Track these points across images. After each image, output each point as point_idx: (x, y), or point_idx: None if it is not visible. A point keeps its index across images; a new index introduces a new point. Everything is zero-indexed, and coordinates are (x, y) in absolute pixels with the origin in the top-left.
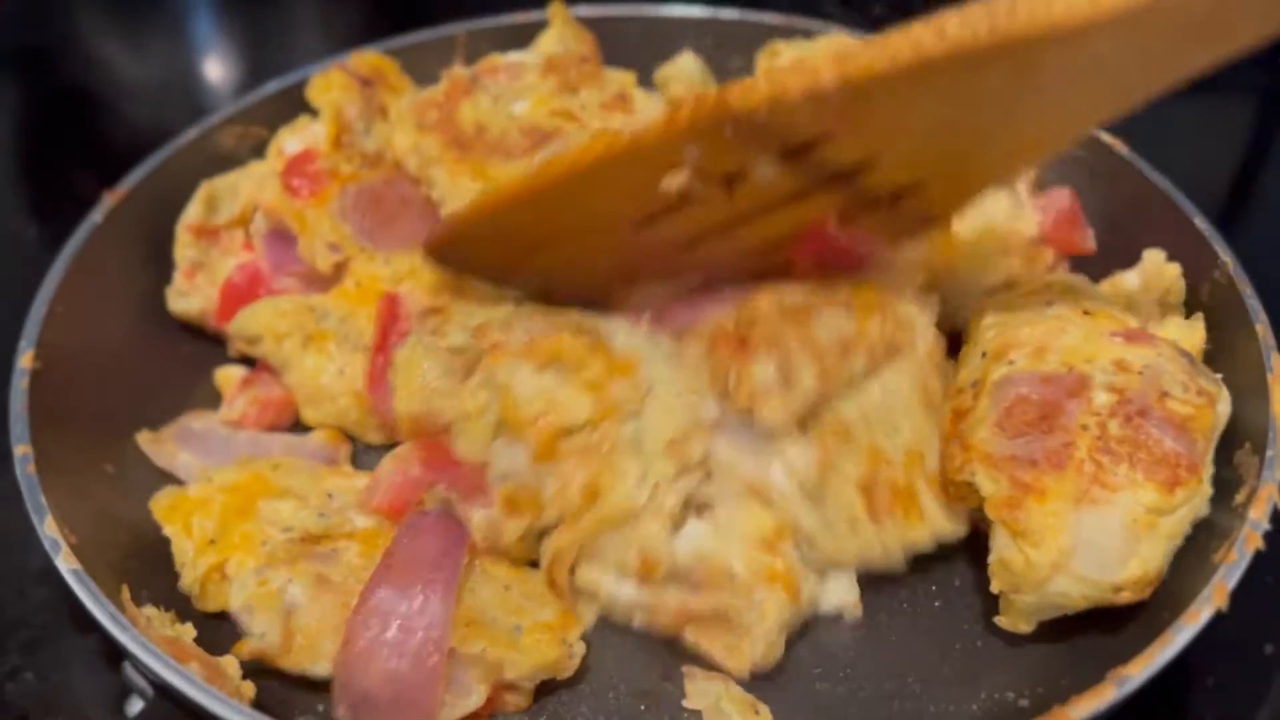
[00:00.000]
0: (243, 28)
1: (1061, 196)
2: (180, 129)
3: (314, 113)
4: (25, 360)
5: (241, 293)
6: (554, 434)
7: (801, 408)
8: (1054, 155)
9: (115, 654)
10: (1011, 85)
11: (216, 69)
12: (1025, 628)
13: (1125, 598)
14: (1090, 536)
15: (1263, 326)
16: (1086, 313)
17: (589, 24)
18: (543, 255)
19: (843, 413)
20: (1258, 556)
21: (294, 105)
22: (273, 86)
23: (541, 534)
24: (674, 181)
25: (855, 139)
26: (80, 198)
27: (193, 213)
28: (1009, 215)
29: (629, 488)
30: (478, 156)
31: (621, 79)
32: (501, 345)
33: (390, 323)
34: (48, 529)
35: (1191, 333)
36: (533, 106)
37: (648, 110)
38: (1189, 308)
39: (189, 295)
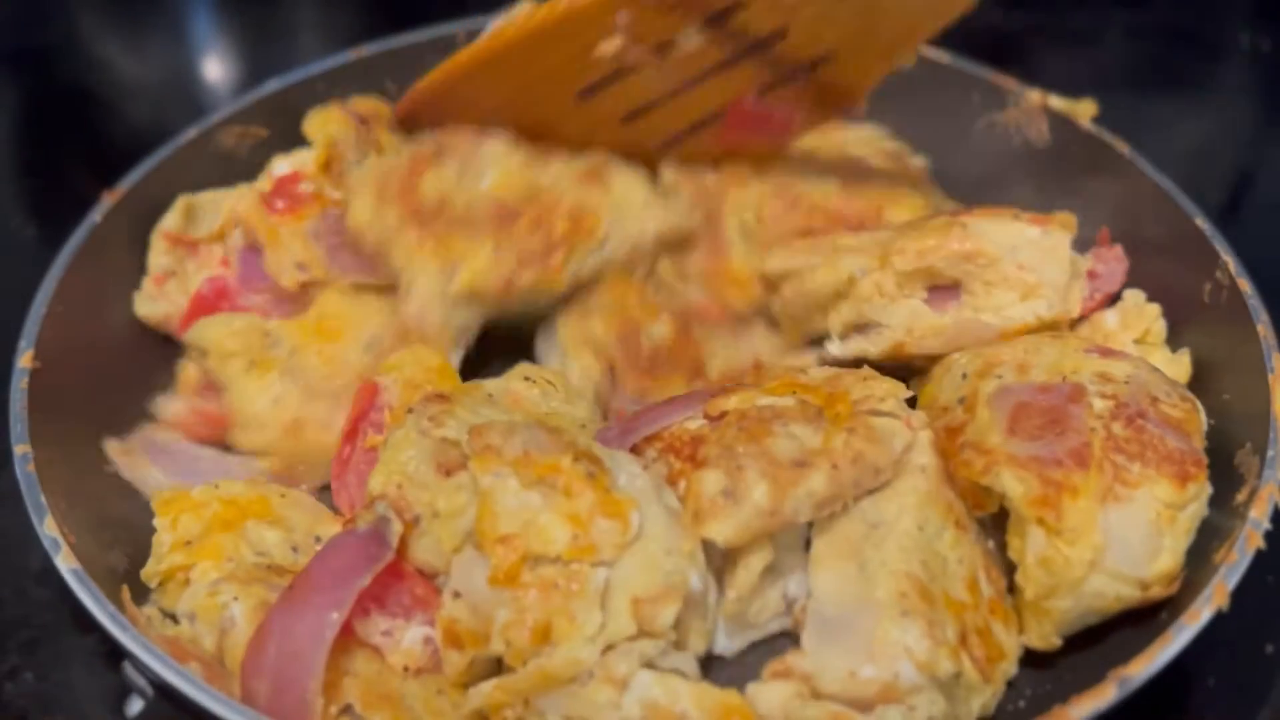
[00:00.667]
0: (242, 27)
1: (1117, 269)
2: (180, 129)
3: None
4: (25, 360)
5: (207, 304)
6: (522, 558)
7: (750, 524)
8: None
9: (115, 654)
10: None
11: (216, 69)
12: (1056, 641)
13: (1155, 594)
14: (1120, 533)
15: (1263, 326)
16: (1054, 336)
17: None
18: (502, 120)
19: (896, 563)
20: (1258, 556)
21: (294, 105)
22: (272, 86)
23: (484, 665)
24: (609, 46)
25: (768, 7)
26: (80, 198)
27: (170, 221)
28: (1062, 297)
29: (582, 641)
30: (440, 231)
31: (596, 156)
32: (495, 450)
33: (365, 412)
34: (47, 529)
35: (1178, 366)
36: (500, 179)
37: (625, 185)
38: (1190, 308)
39: (156, 300)
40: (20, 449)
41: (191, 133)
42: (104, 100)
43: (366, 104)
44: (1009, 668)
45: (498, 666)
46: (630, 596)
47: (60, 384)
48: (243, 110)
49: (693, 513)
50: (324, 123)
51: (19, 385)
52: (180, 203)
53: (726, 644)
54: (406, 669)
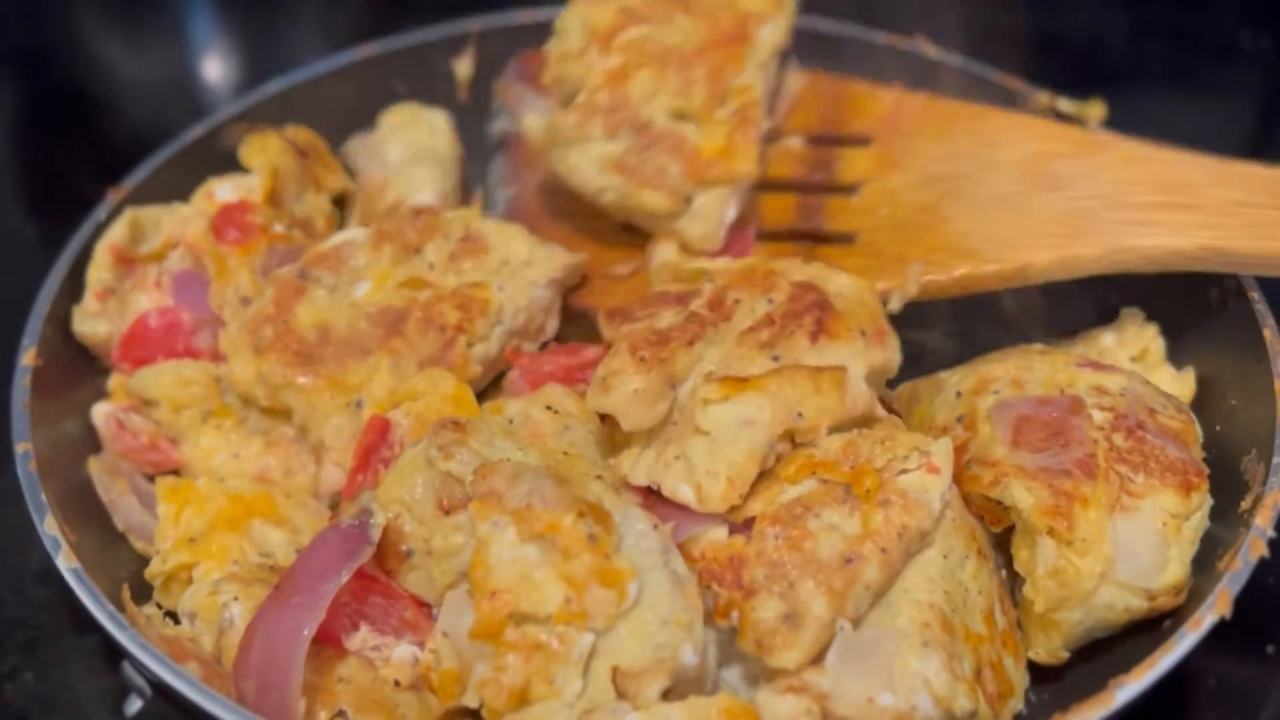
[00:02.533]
0: (242, 27)
1: None
2: (180, 128)
3: (310, 120)
4: (27, 358)
5: (154, 340)
6: (507, 616)
7: (817, 641)
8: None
9: (114, 654)
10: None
11: (216, 68)
12: (1063, 654)
13: (1162, 604)
14: (1128, 543)
15: (1270, 331)
16: (1043, 351)
17: None
18: None
19: (920, 591)
20: (1260, 557)
21: (298, 104)
22: (277, 85)
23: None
24: None
25: (874, 160)
26: (80, 197)
27: (116, 234)
28: None
29: (559, 706)
30: (330, 365)
31: (464, 216)
32: (497, 497)
33: (375, 447)
34: (48, 527)
35: (1182, 384)
36: (375, 285)
37: (504, 242)
38: (1195, 313)
39: (98, 318)
40: (22, 447)
41: (197, 131)
42: (104, 100)
43: (303, 135)
44: (1016, 704)
45: None
46: (610, 666)
47: (63, 382)
48: (249, 109)
49: (754, 643)
50: (262, 149)
51: (21, 383)
52: (127, 216)
53: None
54: (398, 683)
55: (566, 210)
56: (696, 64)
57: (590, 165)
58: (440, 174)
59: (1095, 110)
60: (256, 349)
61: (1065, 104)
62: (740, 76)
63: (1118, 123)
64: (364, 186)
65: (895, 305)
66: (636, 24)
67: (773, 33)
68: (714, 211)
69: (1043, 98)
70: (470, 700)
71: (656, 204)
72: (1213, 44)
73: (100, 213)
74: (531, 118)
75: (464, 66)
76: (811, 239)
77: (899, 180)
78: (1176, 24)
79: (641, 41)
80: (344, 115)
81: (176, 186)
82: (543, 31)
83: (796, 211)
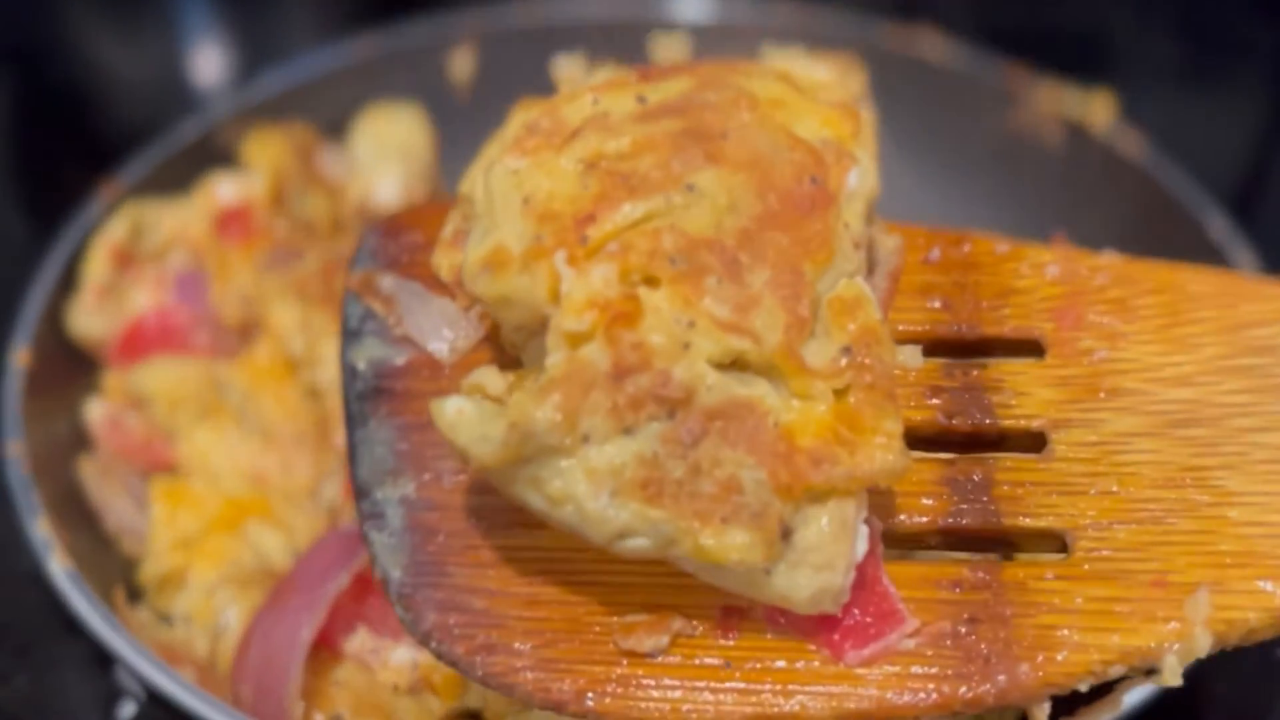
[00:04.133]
0: (235, 20)
1: None
2: (171, 122)
3: (306, 117)
4: (19, 357)
5: (150, 339)
6: None
7: None
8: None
9: (107, 657)
10: None
11: (208, 62)
12: None
13: None
14: None
15: None
16: None
17: (589, 25)
18: None
19: None
20: None
21: (293, 101)
22: (272, 81)
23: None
24: None
25: (1060, 373)
26: (71, 194)
27: (117, 232)
28: None
29: None
30: None
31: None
32: None
33: None
34: (40, 529)
35: None
36: None
37: None
38: None
39: (94, 316)
40: (14, 447)
41: (190, 126)
42: (94, 95)
43: (304, 134)
44: None
45: None
46: None
47: (54, 382)
48: (242, 106)
49: None
50: (264, 149)
51: (13, 384)
52: (128, 214)
53: None
54: (396, 687)
55: (525, 527)
56: (752, 263)
57: (593, 492)
58: (406, 169)
59: (1103, 103)
60: (303, 298)
61: (1072, 96)
62: (830, 272)
63: (1128, 121)
64: (336, 190)
65: (1176, 677)
66: (631, 197)
67: (863, 180)
68: (834, 547)
69: (1048, 91)
70: (473, 700)
71: (732, 552)
72: (1221, 36)
73: (92, 209)
74: (458, 406)
75: (464, 65)
76: (985, 546)
77: (1117, 423)
78: (1184, 15)
79: (647, 233)
80: (340, 112)
81: (169, 181)
82: (543, 34)
83: (944, 493)
